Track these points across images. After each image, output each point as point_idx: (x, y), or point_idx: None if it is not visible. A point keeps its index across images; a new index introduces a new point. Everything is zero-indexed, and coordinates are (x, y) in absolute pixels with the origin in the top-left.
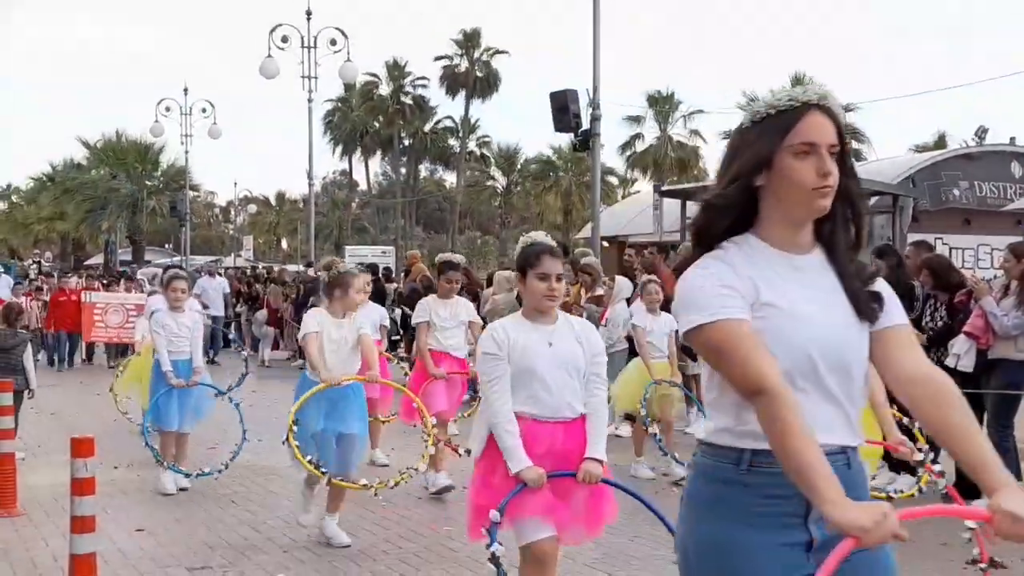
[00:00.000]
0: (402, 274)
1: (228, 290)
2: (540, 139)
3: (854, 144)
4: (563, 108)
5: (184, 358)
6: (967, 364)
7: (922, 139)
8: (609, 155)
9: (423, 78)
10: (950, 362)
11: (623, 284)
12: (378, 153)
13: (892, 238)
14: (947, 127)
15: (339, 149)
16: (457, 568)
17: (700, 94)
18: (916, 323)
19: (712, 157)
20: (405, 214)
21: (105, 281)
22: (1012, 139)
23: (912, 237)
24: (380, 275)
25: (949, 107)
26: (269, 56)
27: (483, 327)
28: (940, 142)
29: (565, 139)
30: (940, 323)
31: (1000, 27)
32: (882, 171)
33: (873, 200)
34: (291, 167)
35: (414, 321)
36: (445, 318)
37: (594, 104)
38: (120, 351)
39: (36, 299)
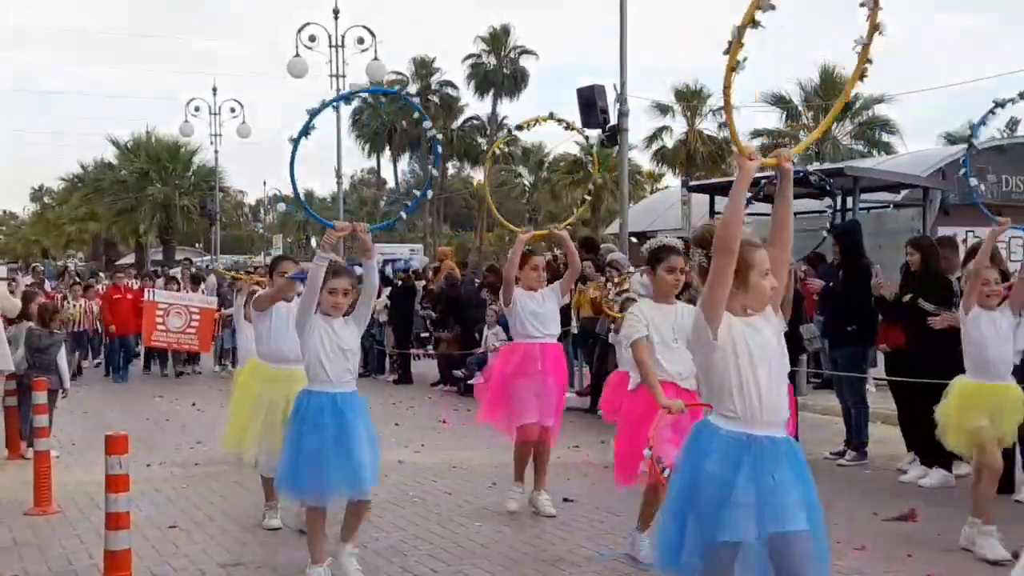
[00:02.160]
0: (431, 271)
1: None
2: (567, 135)
3: (884, 137)
4: (590, 103)
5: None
6: None
7: (953, 129)
8: (636, 153)
9: (449, 82)
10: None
11: (637, 280)
12: (406, 151)
13: (922, 231)
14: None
15: (367, 147)
16: (488, 563)
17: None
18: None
19: None
20: (433, 212)
21: (161, 279)
22: None
23: (942, 231)
24: (410, 273)
25: (980, 98)
26: (297, 55)
27: None
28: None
29: (592, 135)
30: None
31: None
32: (914, 163)
33: (903, 193)
34: (320, 166)
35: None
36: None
37: (621, 99)
38: (183, 359)
39: (87, 298)
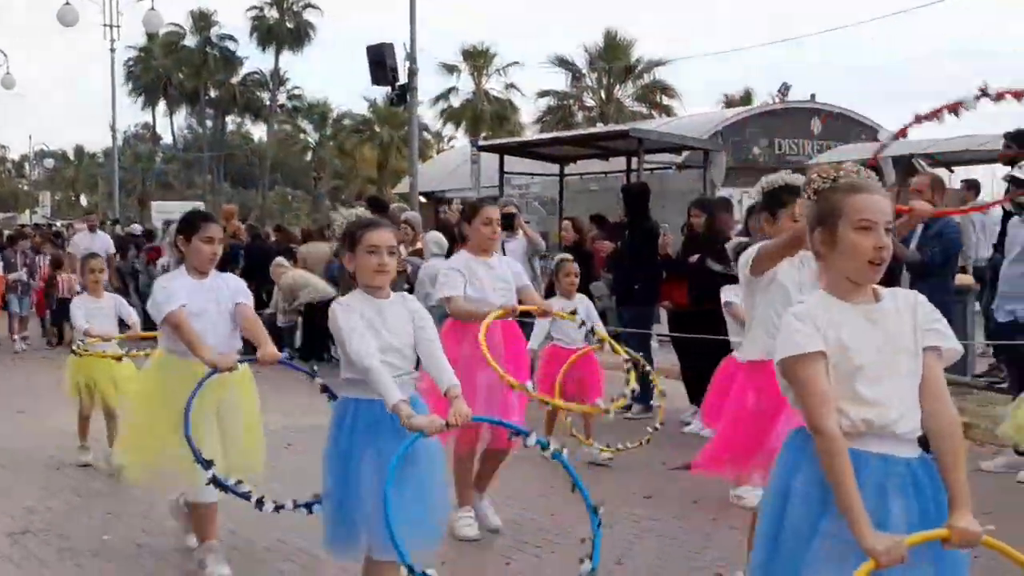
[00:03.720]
0: None
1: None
2: (354, 93)
3: (665, 100)
4: (380, 62)
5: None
6: None
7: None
8: (423, 109)
9: (229, 35)
10: None
11: (431, 239)
12: (183, 106)
13: (703, 193)
14: (754, 83)
15: (141, 100)
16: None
17: (516, 49)
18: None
19: (528, 111)
20: (212, 169)
21: None
22: (812, 96)
23: (721, 192)
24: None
25: (757, 61)
26: (67, 3)
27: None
28: (747, 98)
29: (379, 93)
30: None
31: None
32: (693, 126)
33: (684, 155)
34: (91, 120)
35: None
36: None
37: (411, 58)
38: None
39: None
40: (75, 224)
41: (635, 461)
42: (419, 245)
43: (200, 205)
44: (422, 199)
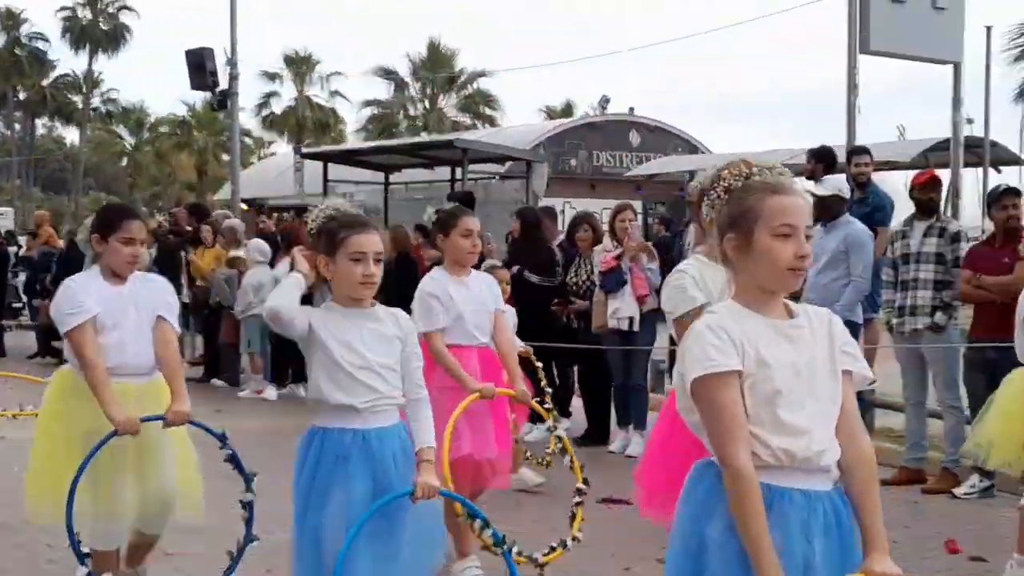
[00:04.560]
0: (26, 237)
1: None
2: (172, 98)
3: (487, 110)
4: (200, 66)
5: None
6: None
7: (553, 103)
8: (245, 116)
9: (40, 35)
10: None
11: (256, 246)
12: None
13: (525, 202)
14: (574, 96)
15: None
16: None
17: (339, 57)
18: (563, 285)
19: (352, 119)
20: (22, 173)
21: None
22: (631, 109)
23: (544, 202)
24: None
25: (576, 75)
26: None
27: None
28: (567, 110)
29: (199, 97)
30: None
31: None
32: (516, 137)
33: (507, 165)
34: None
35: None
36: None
37: (232, 63)
38: None
39: None
40: None
41: None
42: (240, 253)
43: (8, 211)
44: (244, 206)
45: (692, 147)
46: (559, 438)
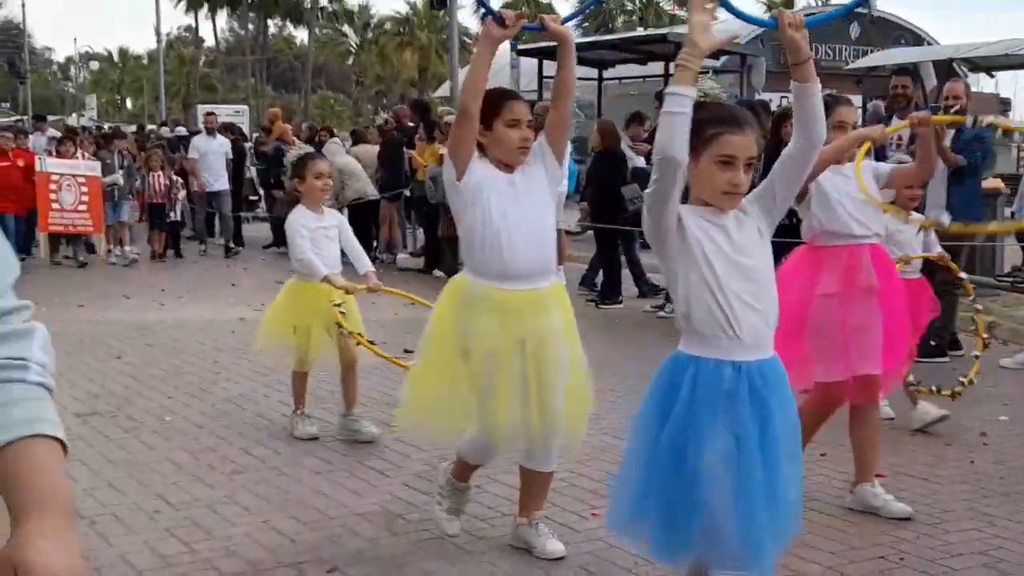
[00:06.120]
0: (258, 133)
1: (231, 154)
2: None
3: None
4: None
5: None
6: None
7: None
8: (464, 15)
9: None
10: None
11: None
12: (225, 8)
13: (740, 97)
14: None
15: (184, 4)
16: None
17: None
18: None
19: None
20: (255, 72)
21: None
22: None
23: (761, 97)
24: (238, 135)
25: None
26: None
27: None
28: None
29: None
30: None
31: None
32: (732, 30)
33: (722, 60)
34: (133, 21)
35: None
36: None
37: None
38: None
39: None
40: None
41: (661, 352)
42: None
43: (244, 109)
44: None
45: (917, 38)
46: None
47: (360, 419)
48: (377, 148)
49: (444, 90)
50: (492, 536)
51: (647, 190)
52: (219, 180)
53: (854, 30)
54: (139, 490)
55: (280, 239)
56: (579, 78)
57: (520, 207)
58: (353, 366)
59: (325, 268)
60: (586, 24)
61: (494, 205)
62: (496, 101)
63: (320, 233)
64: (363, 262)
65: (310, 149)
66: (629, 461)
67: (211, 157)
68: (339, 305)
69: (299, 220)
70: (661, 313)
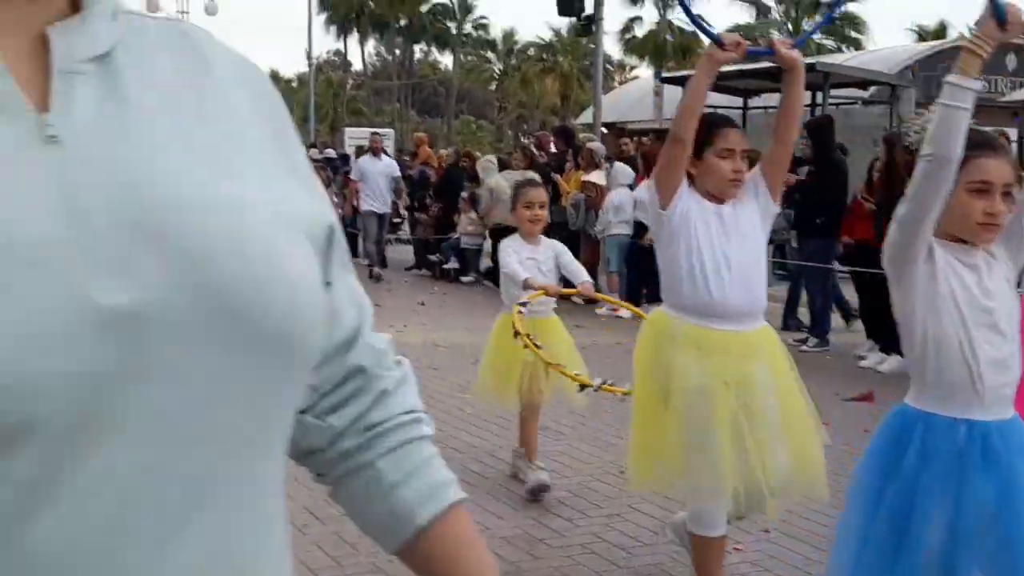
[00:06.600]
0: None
1: (398, 174)
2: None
3: (852, 33)
4: None
5: None
6: None
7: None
8: (608, 41)
9: None
10: None
11: (620, 169)
12: (373, 35)
13: (889, 128)
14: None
15: (335, 29)
16: (477, 430)
17: None
18: None
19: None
20: (400, 97)
21: None
22: None
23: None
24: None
25: None
26: None
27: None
28: (940, 31)
29: (564, 23)
30: None
31: None
32: (881, 60)
33: (871, 90)
34: (284, 45)
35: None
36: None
37: None
38: None
39: None
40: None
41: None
42: (592, 176)
43: (389, 132)
44: (604, 130)
45: None
46: None
47: (537, 467)
48: (518, 175)
49: (586, 117)
50: (631, 566)
51: (901, 203)
52: (382, 202)
53: (1011, 61)
54: None
55: (422, 261)
56: (725, 107)
57: (729, 242)
58: (536, 409)
59: (525, 272)
60: None
61: (701, 238)
62: (709, 128)
63: (530, 264)
64: (580, 276)
65: (493, 162)
66: (842, 536)
67: (376, 178)
68: (524, 305)
69: (510, 244)
70: (804, 348)
